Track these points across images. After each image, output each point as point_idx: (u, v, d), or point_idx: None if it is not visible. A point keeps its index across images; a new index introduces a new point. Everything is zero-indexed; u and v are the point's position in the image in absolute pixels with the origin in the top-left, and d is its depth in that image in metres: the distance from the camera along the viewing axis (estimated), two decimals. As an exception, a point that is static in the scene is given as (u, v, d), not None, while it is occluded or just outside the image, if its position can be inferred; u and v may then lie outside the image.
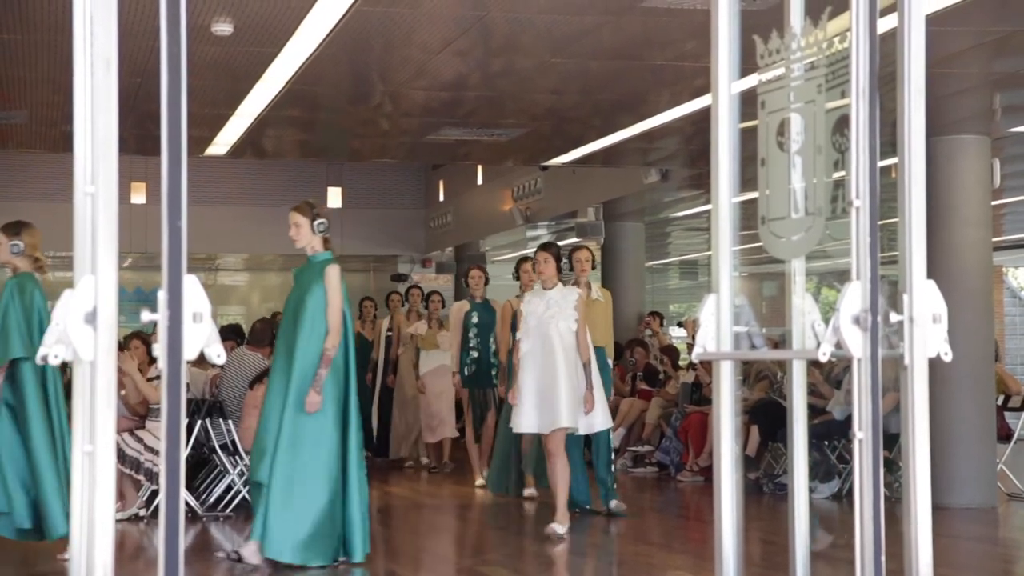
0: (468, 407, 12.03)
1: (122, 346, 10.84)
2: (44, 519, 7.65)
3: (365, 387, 14.75)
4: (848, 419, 10.44)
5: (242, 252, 21.76)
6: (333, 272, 7.67)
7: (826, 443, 11.32)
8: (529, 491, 11.02)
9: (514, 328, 10.35)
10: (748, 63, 3.17)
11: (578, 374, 8.99)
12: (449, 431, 13.67)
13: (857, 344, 2.75)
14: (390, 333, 14.73)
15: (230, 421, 10.29)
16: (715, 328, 3.13)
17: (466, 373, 11.85)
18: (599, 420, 9.36)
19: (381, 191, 21.08)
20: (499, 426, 11.10)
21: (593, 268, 11.45)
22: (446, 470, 13.55)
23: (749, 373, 12.88)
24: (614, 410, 14.52)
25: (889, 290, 2.83)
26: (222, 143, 11.57)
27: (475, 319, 11.92)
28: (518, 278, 11.46)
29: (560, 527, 8.82)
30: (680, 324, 21.02)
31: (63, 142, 11.54)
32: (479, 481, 11.90)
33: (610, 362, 10.55)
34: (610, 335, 10.60)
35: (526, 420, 8.99)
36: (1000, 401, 11.99)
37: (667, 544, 8.89)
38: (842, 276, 2.82)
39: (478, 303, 12.05)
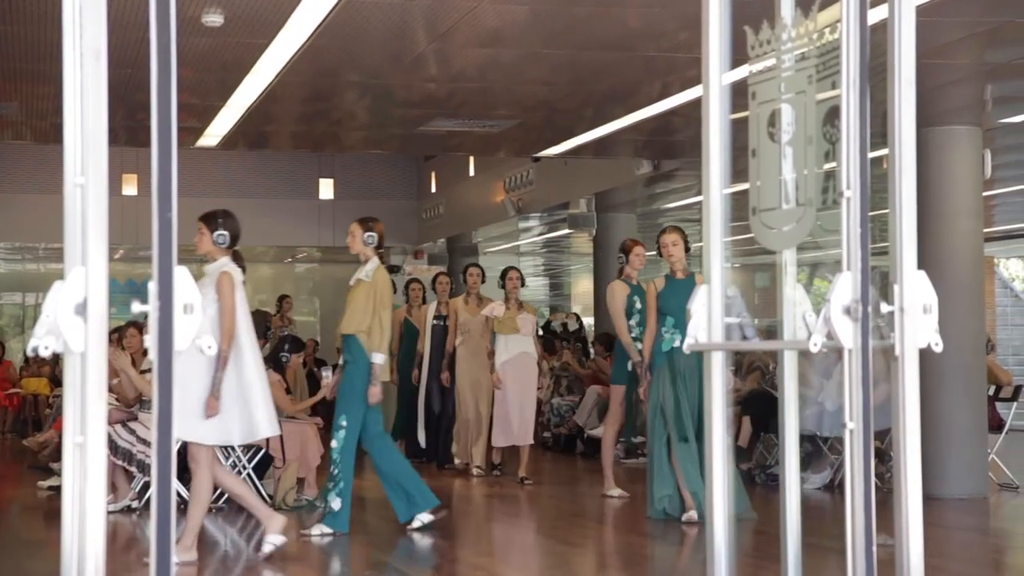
0: (621, 405, 10.33)
1: (119, 338, 10.84)
2: None
3: (409, 383, 13.44)
4: (839, 409, 10.40)
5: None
6: None
7: (817, 433, 11.34)
8: (688, 515, 9.09)
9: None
10: (739, 54, 3.17)
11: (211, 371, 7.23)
12: (529, 435, 11.96)
13: (848, 335, 2.76)
14: (437, 321, 13.05)
15: (222, 413, 10.28)
16: (706, 319, 3.14)
17: (629, 368, 10.09)
18: (262, 427, 7.39)
19: (373, 182, 21.06)
20: (650, 438, 9.40)
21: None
22: (527, 483, 11.66)
23: (741, 364, 12.89)
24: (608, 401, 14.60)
25: (880, 281, 2.83)
26: (213, 135, 11.55)
27: (638, 304, 10.17)
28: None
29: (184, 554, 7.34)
30: None
31: (53, 133, 11.52)
32: (615, 492, 10.50)
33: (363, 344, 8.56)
34: (364, 320, 8.52)
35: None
36: (991, 391, 12.02)
37: (660, 534, 8.89)
38: (833, 267, 2.82)
39: (636, 285, 10.33)
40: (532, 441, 12.12)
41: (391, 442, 9.22)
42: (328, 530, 8.48)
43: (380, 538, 8.84)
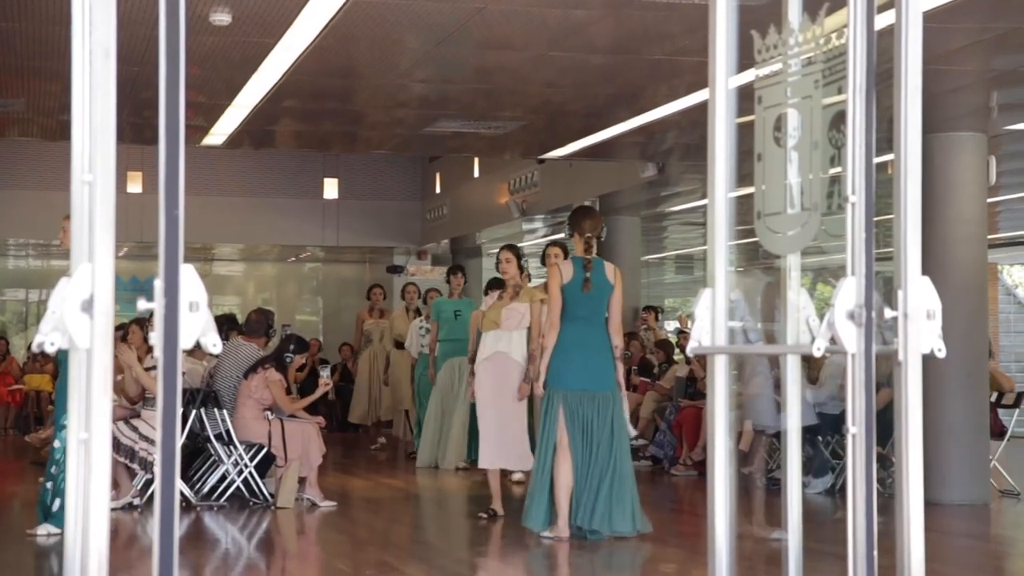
0: None
1: (123, 336, 10.85)
2: None
3: None
4: (841, 414, 10.40)
5: (238, 242, 21.76)
6: None
7: (819, 438, 11.34)
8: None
9: None
10: (745, 58, 3.17)
11: None
12: (514, 459, 9.13)
13: (851, 339, 2.76)
14: None
15: (225, 411, 10.30)
16: (710, 323, 3.14)
17: None
18: None
19: (377, 183, 21.07)
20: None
21: None
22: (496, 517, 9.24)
23: (742, 367, 12.87)
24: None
25: (884, 286, 2.84)
26: (219, 133, 11.56)
27: None
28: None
29: None
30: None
31: (61, 130, 11.54)
32: None
33: None
34: None
35: None
36: (993, 398, 12.02)
37: (660, 538, 8.89)
38: (837, 272, 2.82)
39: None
40: (527, 467, 9.04)
41: None
42: (55, 530, 8.11)
43: (382, 538, 8.85)
